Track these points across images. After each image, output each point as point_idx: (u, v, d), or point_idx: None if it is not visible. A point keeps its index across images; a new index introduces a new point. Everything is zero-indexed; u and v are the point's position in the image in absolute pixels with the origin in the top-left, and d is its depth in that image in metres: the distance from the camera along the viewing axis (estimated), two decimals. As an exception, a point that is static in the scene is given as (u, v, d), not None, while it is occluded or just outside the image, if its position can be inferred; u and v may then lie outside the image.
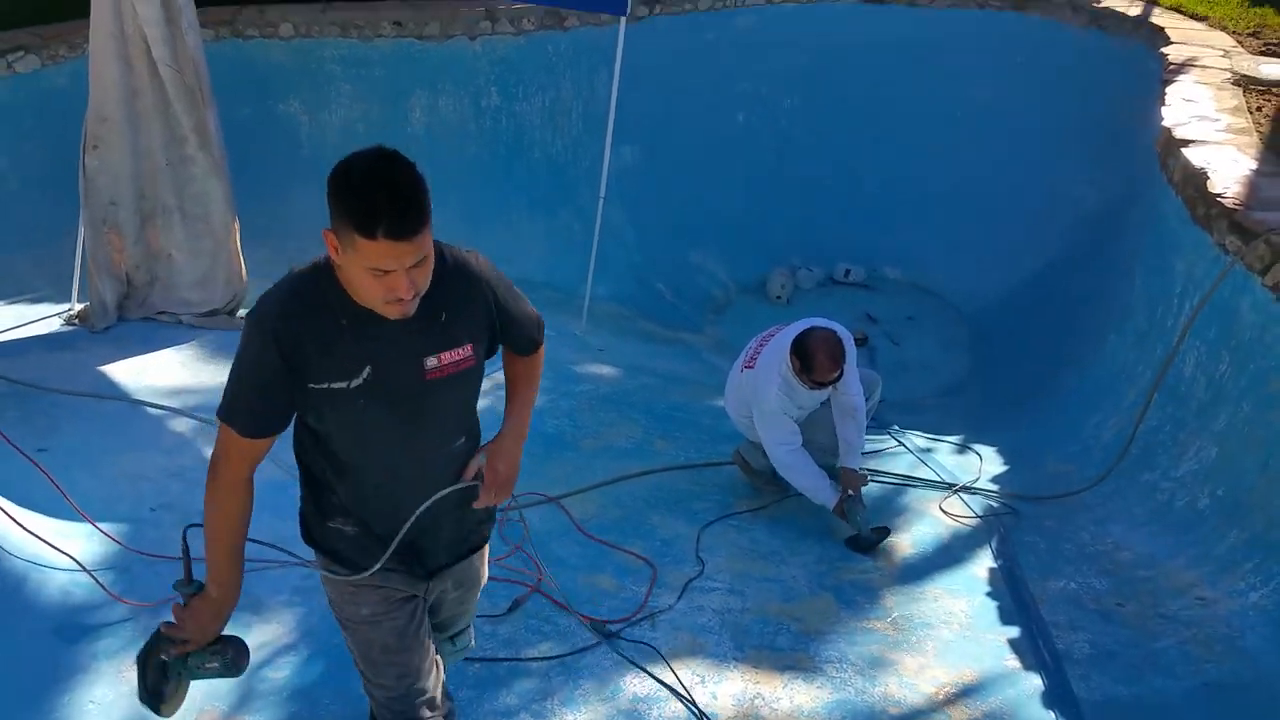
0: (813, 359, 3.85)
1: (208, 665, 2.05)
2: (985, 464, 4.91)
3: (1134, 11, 7.59)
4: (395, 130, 7.27)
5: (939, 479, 4.66)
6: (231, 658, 2.07)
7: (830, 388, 3.96)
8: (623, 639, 3.31)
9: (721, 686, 3.14)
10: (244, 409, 1.89)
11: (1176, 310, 4.61)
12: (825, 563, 3.93)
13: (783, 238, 8.42)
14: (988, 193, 7.91)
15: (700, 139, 8.23)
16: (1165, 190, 4.98)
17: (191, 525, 1.99)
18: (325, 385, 1.89)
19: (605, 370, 5.89)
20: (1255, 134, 4.96)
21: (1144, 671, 3.31)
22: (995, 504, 4.49)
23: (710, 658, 3.28)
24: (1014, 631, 3.52)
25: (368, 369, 1.89)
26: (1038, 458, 4.99)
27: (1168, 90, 5.63)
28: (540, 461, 4.39)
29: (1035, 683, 3.24)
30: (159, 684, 2.04)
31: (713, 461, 4.66)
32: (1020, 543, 4.16)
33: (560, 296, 6.95)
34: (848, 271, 8.37)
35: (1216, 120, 5.14)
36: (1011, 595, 3.76)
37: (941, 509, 4.41)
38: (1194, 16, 7.46)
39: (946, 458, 5.05)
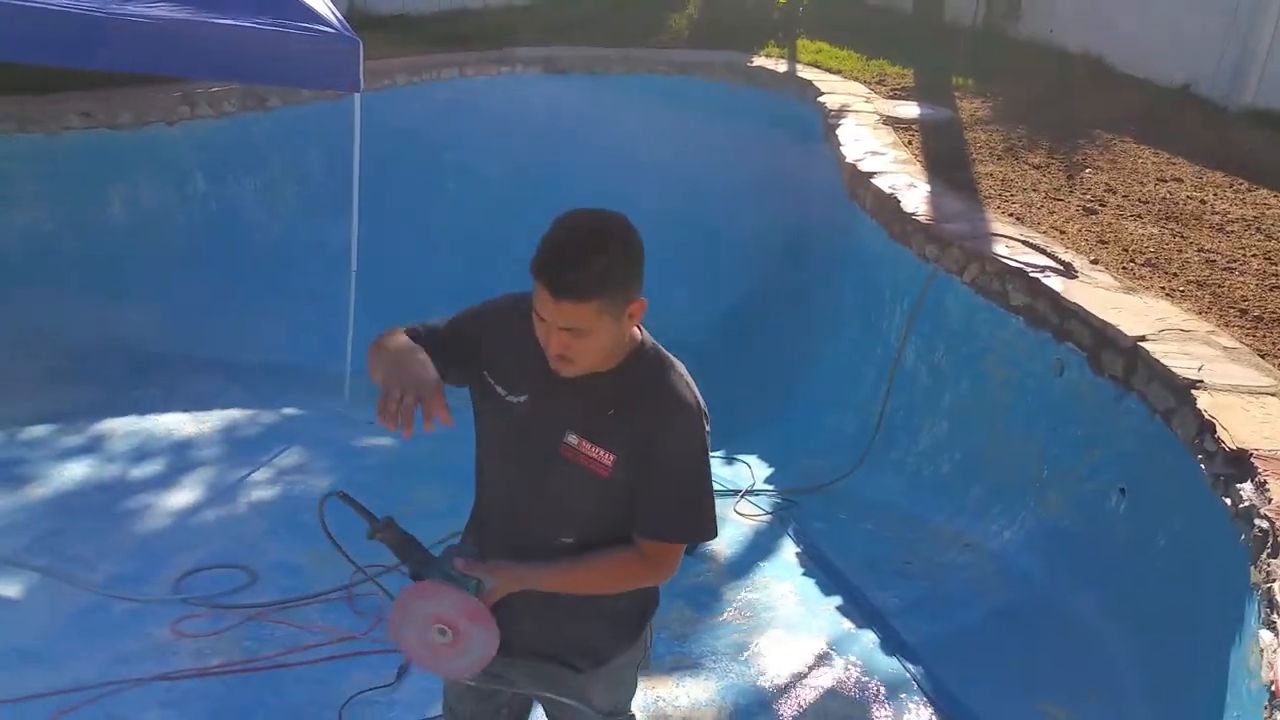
0: None
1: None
2: (755, 469, 5.51)
3: (781, 68, 8.80)
4: (92, 225, 6.81)
5: (724, 487, 5.17)
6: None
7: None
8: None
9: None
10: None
11: (889, 314, 5.50)
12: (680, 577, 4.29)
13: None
14: (675, 239, 8.72)
15: (418, 208, 8.39)
16: (859, 216, 5.90)
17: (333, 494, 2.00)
18: (493, 382, 1.93)
19: (383, 441, 5.89)
20: (917, 163, 6.03)
21: (947, 610, 3.99)
22: (778, 500, 5.07)
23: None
24: (838, 599, 4.07)
25: (527, 397, 1.90)
26: (794, 457, 5.68)
27: (837, 132, 6.65)
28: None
29: (871, 636, 3.79)
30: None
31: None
32: (811, 528, 4.76)
33: (309, 377, 6.83)
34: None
35: (884, 154, 6.19)
36: (823, 571, 4.33)
37: (736, 512, 4.92)
38: (829, 70, 8.78)
39: (720, 469, 5.60)
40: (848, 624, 3.91)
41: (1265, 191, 5.77)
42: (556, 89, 8.93)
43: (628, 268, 1.74)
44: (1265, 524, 2.81)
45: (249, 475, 5.04)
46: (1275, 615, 2.54)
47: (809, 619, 3.94)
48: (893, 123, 7.03)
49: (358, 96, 5.70)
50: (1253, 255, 4.86)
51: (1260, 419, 3.23)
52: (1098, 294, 4.19)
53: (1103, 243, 4.89)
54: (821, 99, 7.66)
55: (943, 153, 6.36)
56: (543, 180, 8.73)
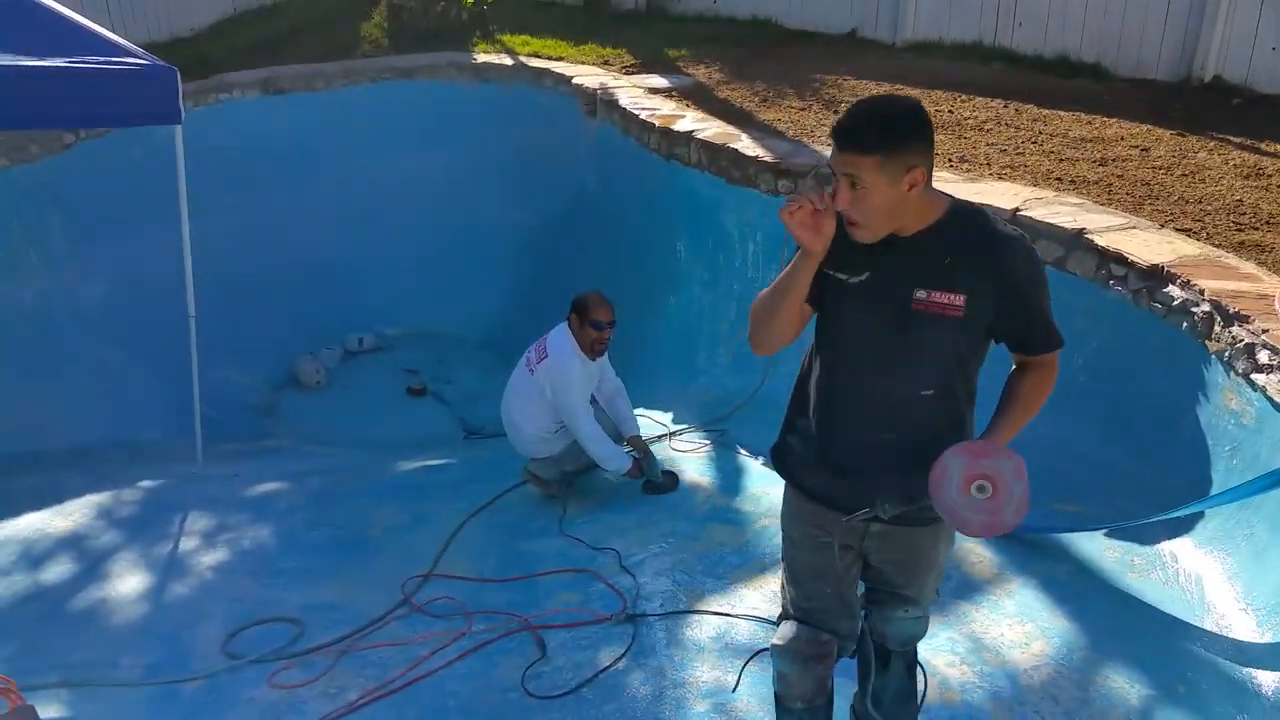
0: (588, 302, 4.57)
1: None
2: (660, 415, 5.93)
3: (507, 61, 9.13)
4: None
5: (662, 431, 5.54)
6: None
7: (607, 342, 4.64)
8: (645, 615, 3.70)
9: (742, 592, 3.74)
10: None
11: (741, 250, 6.13)
12: (694, 507, 4.62)
13: (286, 327, 8.31)
14: (454, 236, 8.83)
15: (159, 254, 7.66)
16: (681, 172, 6.47)
17: None
18: (833, 273, 2.21)
19: (278, 486, 5.55)
20: (713, 119, 6.71)
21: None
22: (702, 434, 5.52)
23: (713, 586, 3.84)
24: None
25: (869, 273, 2.18)
26: (684, 400, 6.16)
27: (621, 104, 7.16)
28: (371, 561, 4.37)
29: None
30: None
31: (510, 487, 4.96)
32: (750, 441, 5.28)
33: (133, 450, 6.22)
34: (360, 340, 8.61)
35: (681, 115, 6.80)
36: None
37: (673, 449, 5.32)
38: (551, 58, 9.24)
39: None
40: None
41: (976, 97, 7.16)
42: (281, 111, 8.57)
43: (910, 135, 2.03)
44: (1206, 307, 3.78)
45: (176, 548, 4.63)
46: (1253, 359, 3.48)
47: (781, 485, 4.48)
48: (656, 92, 7.66)
49: (179, 129, 5.29)
50: (994, 145, 6.04)
51: (1141, 243, 4.25)
52: (952, 187, 5.09)
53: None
54: (576, 81, 8.11)
55: (719, 110, 7.10)
56: (287, 209, 8.40)
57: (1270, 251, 4.25)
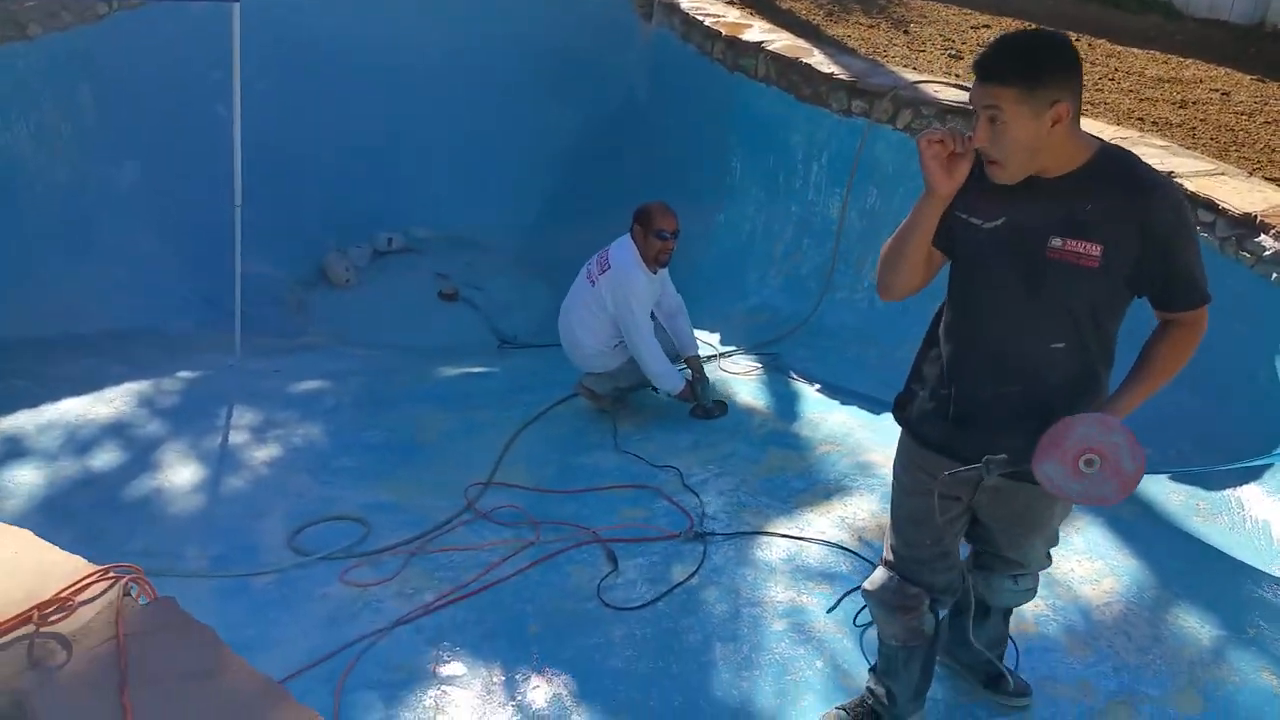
0: (652, 211, 4.49)
1: None
2: (707, 335, 5.86)
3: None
4: None
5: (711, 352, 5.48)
6: None
7: (670, 253, 4.58)
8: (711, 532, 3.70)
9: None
10: None
11: (804, 172, 5.99)
12: (751, 430, 4.59)
13: (316, 223, 8.17)
14: (489, 141, 8.63)
15: (191, 138, 7.49)
16: (748, 85, 6.28)
17: None
18: (965, 216, 2.14)
19: (322, 384, 5.50)
20: (782, 29, 6.49)
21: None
22: (754, 357, 5.47)
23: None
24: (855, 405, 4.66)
25: (1003, 219, 2.09)
26: (735, 321, 6.08)
27: (684, 5, 6.91)
28: (428, 465, 4.36)
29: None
30: None
31: (561, 399, 4.92)
32: (799, 365, 5.23)
33: (165, 340, 6.14)
34: (390, 240, 8.47)
35: (749, 25, 6.58)
36: (832, 390, 4.87)
37: (722, 369, 5.28)
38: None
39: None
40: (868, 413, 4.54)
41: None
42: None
43: (1055, 68, 1.94)
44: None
45: (226, 440, 4.60)
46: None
47: (872, 424, 4.46)
48: (713, -1, 7.41)
49: (236, 8, 5.10)
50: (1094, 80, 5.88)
51: (1231, 190, 4.14)
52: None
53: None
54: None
55: (783, 21, 6.87)
56: (322, 101, 8.17)
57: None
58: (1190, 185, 4.18)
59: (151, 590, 1.90)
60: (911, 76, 5.56)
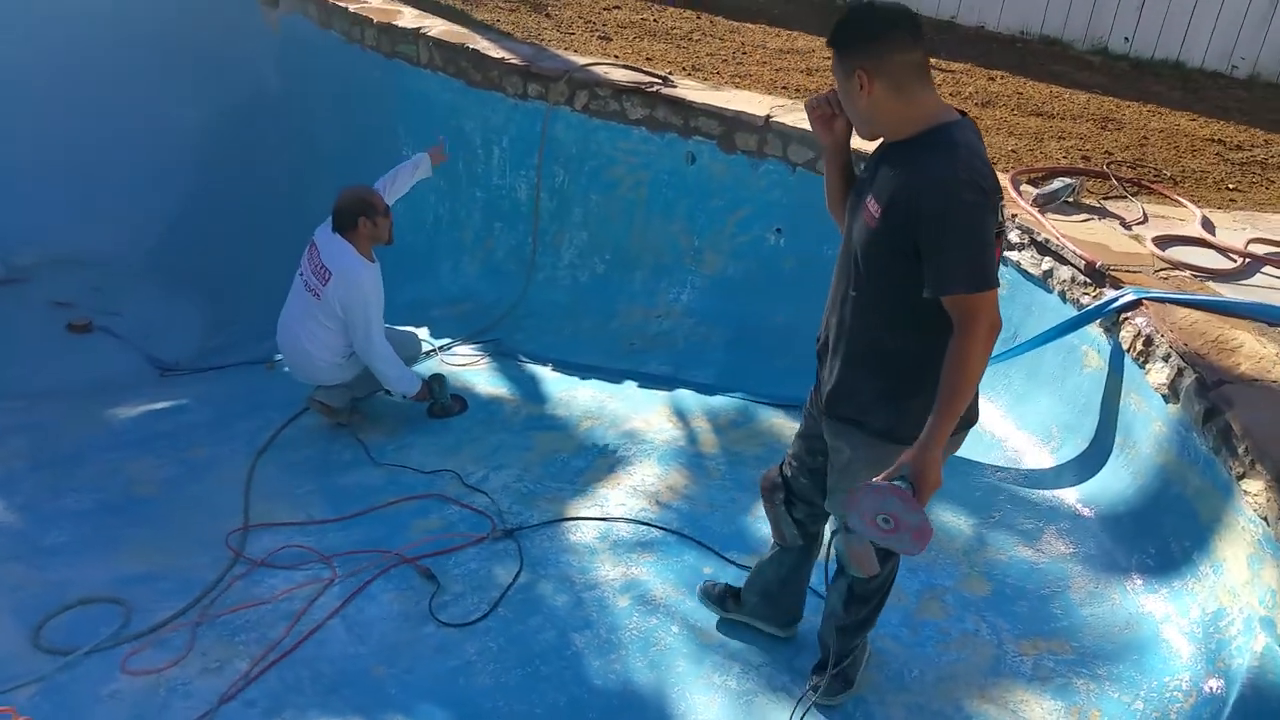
0: (368, 199, 4.37)
1: None
2: (420, 331, 5.68)
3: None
4: None
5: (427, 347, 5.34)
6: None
7: None
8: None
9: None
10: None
11: (484, 157, 5.98)
12: (508, 418, 4.57)
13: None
14: (98, 147, 7.63)
15: None
16: (410, 73, 6.11)
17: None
18: (861, 169, 2.40)
19: None
20: (430, 14, 6.37)
21: (691, 354, 5.04)
22: (474, 345, 5.42)
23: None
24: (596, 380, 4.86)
25: (868, 174, 2.31)
26: (439, 313, 5.92)
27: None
28: (163, 521, 3.89)
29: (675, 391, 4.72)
30: None
31: (288, 420, 4.60)
32: (522, 346, 5.31)
33: None
34: (-13, 272, 7.23)
35: (399, 10, 6.37)
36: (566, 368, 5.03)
37: (445, 363, 5.20)
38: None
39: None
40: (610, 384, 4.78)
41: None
42: None
43: (851, 37, 2.16)
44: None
45: None
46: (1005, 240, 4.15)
47: (597, 397, 4.68)
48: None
49: None
50: (714, 54, 6.42)
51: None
52: (706, 94, 5.36)
53: (648, 60, 6.04)
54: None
55: (425, 6, 6.73)
56: None
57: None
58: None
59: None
60: (580, 59, 5.73)
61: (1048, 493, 3.66)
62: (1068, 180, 4.37)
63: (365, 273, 4.27)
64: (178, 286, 7.42)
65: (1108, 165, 4.86)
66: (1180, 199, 4.55)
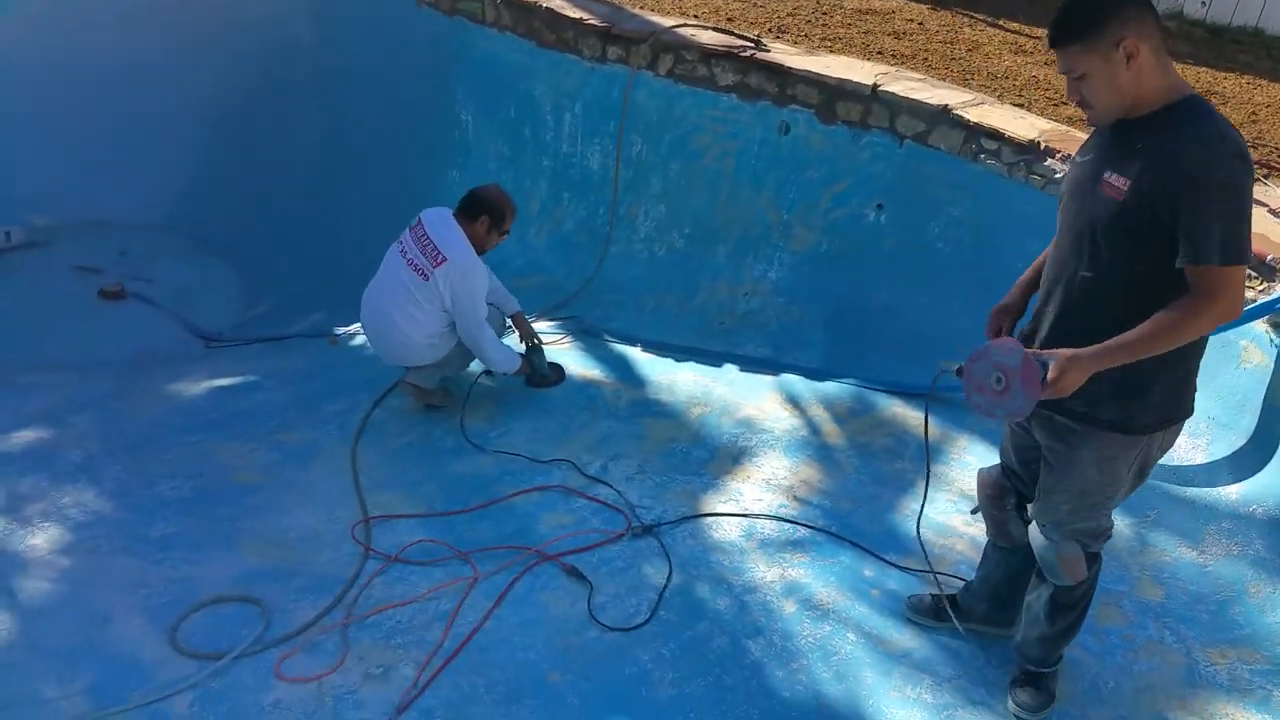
0: (505, 209, 4.17)
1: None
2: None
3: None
4: None
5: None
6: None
7: None
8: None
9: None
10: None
11: (554, 123, 5.74)
12: (609, 402, 4.40)
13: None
14: (111, 106, 7.28)
15: None
16: (473, 31, 5.83)
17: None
18: (1074, 154, 2.37)
19: (36, 432, 4.38)
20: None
21: (779, 333, 4.90)
22: (558, 322, 5.22)
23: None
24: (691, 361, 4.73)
25: (1092, 155, 2.28)
26: (507, 287, 5.71)
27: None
28: (273, 511, 3.69)
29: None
30: None
31: (376, 402, 4.40)
32: (609, 324, 5.13)
33: None
34: (8, 234, 6.89)
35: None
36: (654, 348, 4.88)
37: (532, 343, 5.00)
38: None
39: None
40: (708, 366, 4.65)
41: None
42: None
43: (1107, 9, 2.06)
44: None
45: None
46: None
47: (700, 381, 4.54)
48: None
49: None
50: (794, 14, 6.19)
51: (1000, 118, 4.64)
52: (804, 59, 5.15)
53: (729, 20, 5.81)
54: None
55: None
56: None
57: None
58: (971, 116, 4.61)
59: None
60: (663, 20, 5.49)
61: (1203, 491, 3.57)
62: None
63: (478, 265, 4.09)
64: (205, 251, 7.15)
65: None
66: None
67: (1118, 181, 2.13)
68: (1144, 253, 2.14)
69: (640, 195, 5.59)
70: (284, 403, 4.66)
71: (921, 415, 4.14)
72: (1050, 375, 2.09)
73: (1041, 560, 2.57)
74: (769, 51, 5.20)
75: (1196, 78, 5.85)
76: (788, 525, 3.51)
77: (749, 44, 5.25)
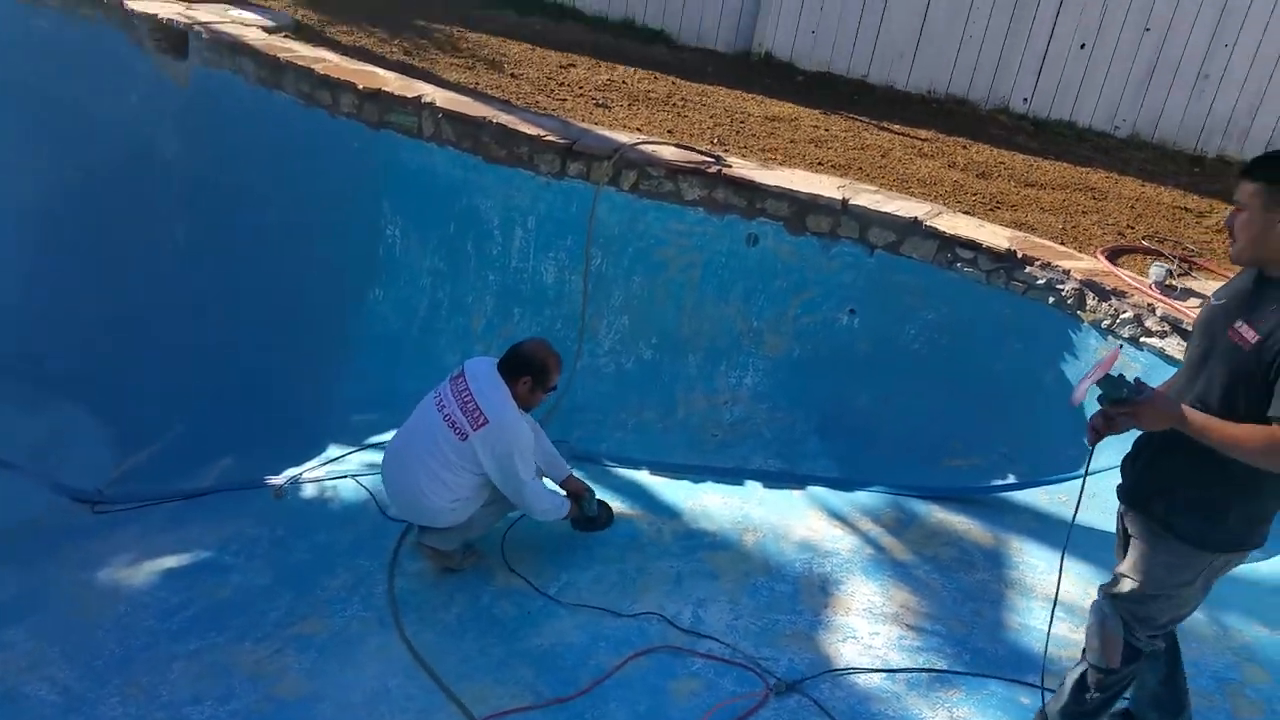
0: (550, 364, 3.91)
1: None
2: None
3: None
4: None
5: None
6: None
7: None
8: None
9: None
10: None
11: (502, 238, 5.47)
12: (653, 538, 4.19)
13: None
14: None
15: None
16: (411, 145, 5.48)
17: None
18: (1210, 297, 2.60)
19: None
20: (400, 73, 5.73)
21: (762, 445, 4.92)
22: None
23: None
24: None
25: (1225, 299, 2.50)
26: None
27: (251, 41, 5.71)
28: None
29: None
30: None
31: (392, 563, 3.96)
32: (597, 446, 4.93)
33: None
34: None
35: (370, 69, 5.68)
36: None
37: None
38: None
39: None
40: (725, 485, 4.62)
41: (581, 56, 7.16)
42: None
43: None
44: (1073, 284, 4.61)
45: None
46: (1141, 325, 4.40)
47: (728, 502, 4.49)
48: (251, 26, 6.21)
49: None
50: (708, 124, 6.25)
51: (965, 226, 4.93)
52: (768, 174, 5.23)
53: (670, 132, 5.79)
54: (132, 5, 6.15)
55: (377, 62, 6.05)
56: None
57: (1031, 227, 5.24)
58: (942, 226, 4.86)
59: None
60: (620, 137, 5.40)
61: (1255, 564, 3.90)
62: (1163, 264, 4.70)
63: (521, 428, 3.80)
64: (48, 393, 6.17)
65: (1159, 241, 5.27)
66: (1227, 273, 5.03)
67: (1247, 333, 2.34)
68: (1248, 397, 2.34)
69: (602, 307, 5.42)
70: (268, 584, 4.11)
71: (963, 519, 4.33)
72: (1137, 408, 2.33)
73: (1088, 631, 2.78)
74: (730, 167, 5.23)
75: (1063, 173, 6.40)
76: (927, 679, 3.46)
77: (710, 159, 5.26)
